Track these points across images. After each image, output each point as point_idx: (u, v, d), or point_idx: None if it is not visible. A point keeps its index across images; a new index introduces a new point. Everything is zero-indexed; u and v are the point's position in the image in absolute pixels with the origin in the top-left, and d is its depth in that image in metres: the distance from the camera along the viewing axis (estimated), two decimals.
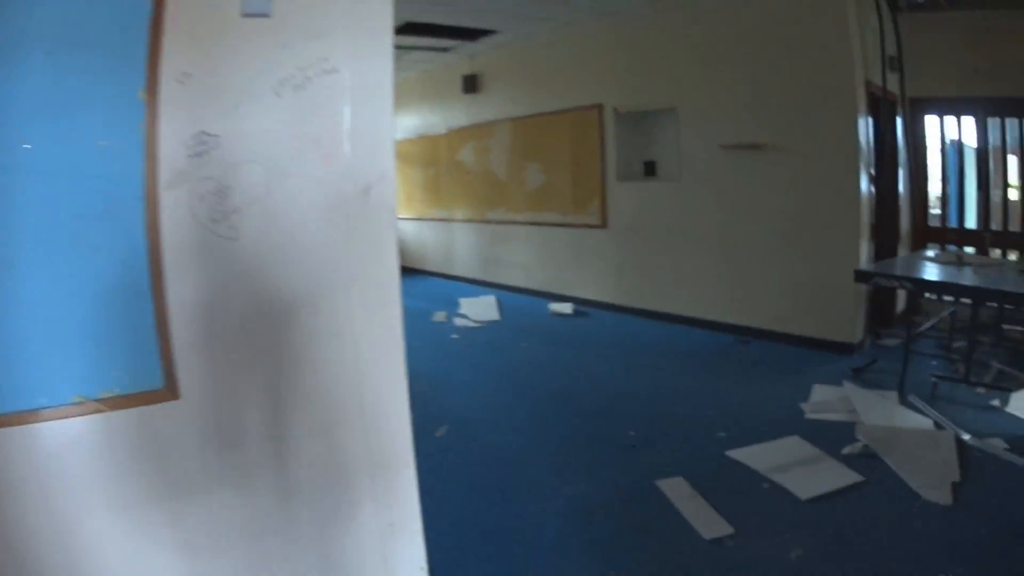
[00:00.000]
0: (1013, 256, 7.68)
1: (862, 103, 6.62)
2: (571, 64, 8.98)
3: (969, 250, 7.41)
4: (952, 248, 7.57)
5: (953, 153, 8.08)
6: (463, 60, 10.51)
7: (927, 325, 6.79)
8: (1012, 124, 7.53)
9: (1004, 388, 5.71)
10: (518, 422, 5.39)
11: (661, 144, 8.32)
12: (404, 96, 12.16)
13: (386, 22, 2.37)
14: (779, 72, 6.89)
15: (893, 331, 7.56)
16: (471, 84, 10.57)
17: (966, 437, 4.87)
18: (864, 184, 6.68)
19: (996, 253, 7.67)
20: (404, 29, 8.45)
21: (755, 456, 4.69)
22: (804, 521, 3.88)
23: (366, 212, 2.37)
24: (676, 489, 4.30)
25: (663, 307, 8.25)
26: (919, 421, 5.17)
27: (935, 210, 8.40)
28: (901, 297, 7.97)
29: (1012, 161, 7.69)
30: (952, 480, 4.22)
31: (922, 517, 3.83)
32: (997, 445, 4.77)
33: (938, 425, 5.08)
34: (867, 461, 4.52)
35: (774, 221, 7.14)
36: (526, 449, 4.94)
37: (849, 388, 5.86)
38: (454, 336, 7.97)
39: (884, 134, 7.31)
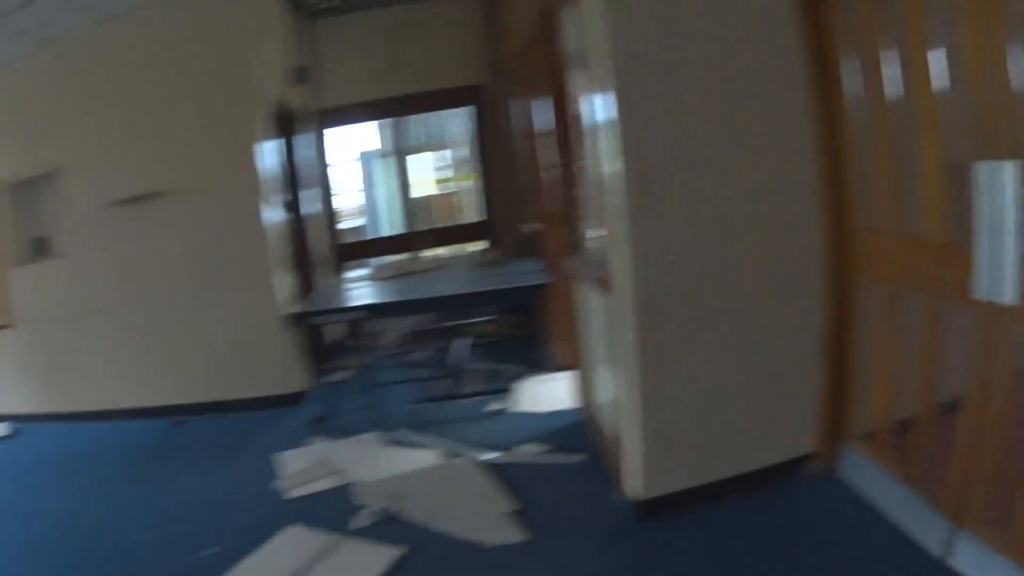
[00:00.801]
0: (444, 251, 7.54)
1: (265, 124, 5.72)
2: None
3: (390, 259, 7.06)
4: (379, 261, 7.08)
5: (369, 160, 7.48)
6: None
7: (386, 348, 5.80)
8: (428, 120, 7.47)
9: (500, 390, 5.14)
10: None
11: (55, 215, 6.53)
12: None
13: None
14: (177, 107, 5.69)
15: (338, 364, 6.59)
16: None
17: (492, 456, 4.06)
18: (274, 213, 5.73)
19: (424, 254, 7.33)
20: None
21: (259, 571, 3.26)
22: None
23: None
24: None
25: (94, 404, 6.37)
26: (423, 458, 4.20)
27: (354, 223, 7.90)
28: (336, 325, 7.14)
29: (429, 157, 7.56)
30: (508, 510, 3.43)
31: (502, 568, 3.02)
32: (530, 452, 4.08)
33: (450, 454, 4.17)
34: (393, 527, 3.47)
35: (184, 277, 5.82)
36: None
37: (321, 445, 4.59)
38: None
39: (296, 153, 6.48)
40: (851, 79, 3.12)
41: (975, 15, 2.39)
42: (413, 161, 7.51)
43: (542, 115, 5.05)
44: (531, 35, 5.00)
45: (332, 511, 3.69)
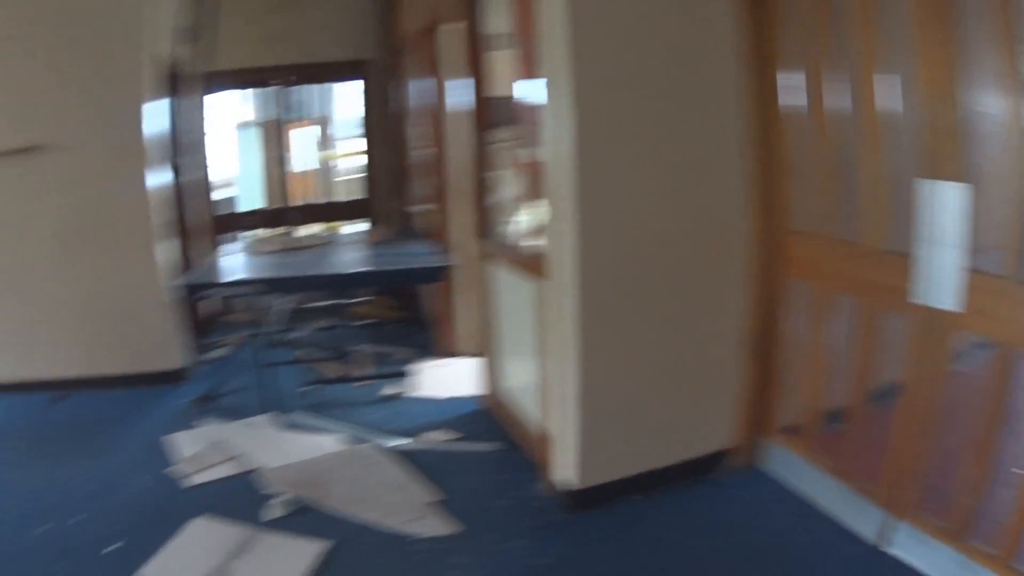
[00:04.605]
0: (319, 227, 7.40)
1: (153, 82, 5.24)
2: None
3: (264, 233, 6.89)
4: (251, 235, 6.82)
5: (242, 130, 7.45)
6: None
7: (264, 326, 5.56)
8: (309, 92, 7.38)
9: (394, 373, 5.00)
10: None
11: None
12: None
13: None
14: (56, 55, 5.10)
15: (213, 340, 6.25)
16: None
17: (396, 443, 3.96)
18: (158, 178, 5.28)
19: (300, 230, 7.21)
20: None
21: (174, 569, 2.94)
22: None
23: None
24: None
25: None
26: (325, 443, 4.03)
27: (225, 195, 7.53)
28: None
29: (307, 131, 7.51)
30: (431, 499, 3.34)
31: (437, 562, 2.89)
32: (436, 439, 4.00)
33: (353, 439, 4.04)
34: (310, 517, 3.26)
35: (59, 240, 5.29)
36: None
37: (213, 428, 4.29)
38: None
39: (181, 117, 6.01)
40: (791, 91, 3.23)
41: (927, 39, 2.52)
42: (291, 134, 7.34)
43: (455, 95, 5.01)
44: (441, 14, 4.92)
45: (240, 500, 3.43)
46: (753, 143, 3.34)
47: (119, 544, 3.15)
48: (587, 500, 3.22)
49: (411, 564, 2.86)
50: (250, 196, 7.48)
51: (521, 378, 3.99)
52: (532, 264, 3.56)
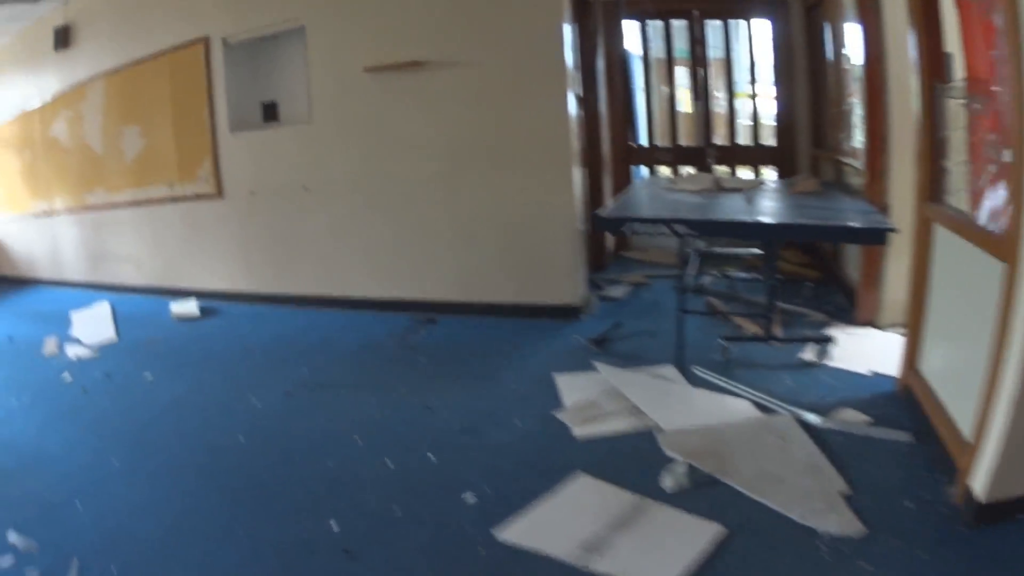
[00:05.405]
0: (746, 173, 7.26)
1: (567, 5, 5.13)
2: None
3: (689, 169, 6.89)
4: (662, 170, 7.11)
5: (648, 65, 7.40)
6: (58, 8, 7.65)
7: (666, 268, 5.44)
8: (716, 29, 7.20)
9: (816, 338, 4.49)
10: (167, 534, 2.89)
11: (286, 78, 6.32)
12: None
13: None
14: None
15: (609, 277, 6.22)
16: (63, 38, 7.75)
17: (813, 419, 3.50)
18: (571, 103, 5.18)
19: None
20: None
21: (543, 531, 2.73)
22: None
23: None
24: None
25: (310, 289, 6.24)
26: (736, 407, 3.67)
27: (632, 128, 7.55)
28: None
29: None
30: (840, 491, 2.90)
31: (839, 567, 2.49)
32: (855, 420, 3.50)
33: (762, 407, 3.63)
34: (709, 492, 2.93)
35: (448, 160, 5.45)
36: None
37: (608, 373, 4.11)
38: (66, 376, 4.97)
39: (587, 43, 6.04)
40: None
41: None
42: (695, 71, 7.24)
43: (899, 45, 4.44)
44: None
45: (630, 460, 3.20)
46: None
47: (475, 495, 3.01)
48: (989, 514, 2.85)
49: (811, 564, 2.51)
50: (650, 132, 7.42)
51: (949, 364, 3.53)
52: (989, 241, 3.08)
